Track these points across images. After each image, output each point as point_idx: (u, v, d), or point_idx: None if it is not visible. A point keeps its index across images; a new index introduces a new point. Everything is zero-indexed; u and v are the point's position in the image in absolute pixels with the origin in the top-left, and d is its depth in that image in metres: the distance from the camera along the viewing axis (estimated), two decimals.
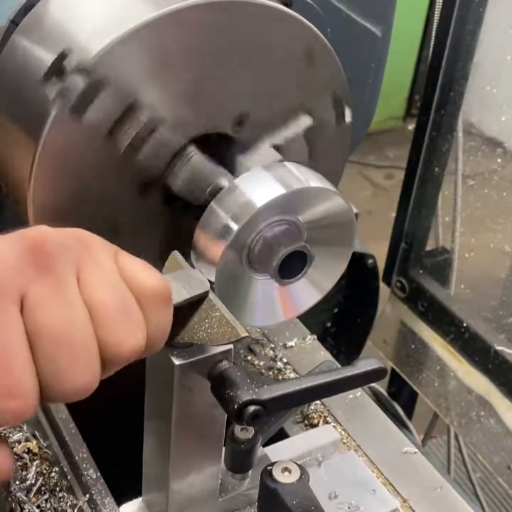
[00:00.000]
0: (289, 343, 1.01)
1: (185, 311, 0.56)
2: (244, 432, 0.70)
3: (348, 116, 0.77)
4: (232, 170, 0.71)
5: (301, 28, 0.70)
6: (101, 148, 0.65)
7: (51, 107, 0.62)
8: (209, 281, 0.59)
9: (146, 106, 0.64)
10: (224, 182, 0.68)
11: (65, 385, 0.45)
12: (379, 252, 1.29)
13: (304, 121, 0.74)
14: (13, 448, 0.82)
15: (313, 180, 0.65)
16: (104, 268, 0.48)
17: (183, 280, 0.57)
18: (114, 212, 0.69)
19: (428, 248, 1.26)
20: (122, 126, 0.64)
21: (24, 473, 0.79)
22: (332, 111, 0.76)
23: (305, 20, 0.70)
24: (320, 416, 0.90)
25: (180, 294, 0.55)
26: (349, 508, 0.76)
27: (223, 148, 0.71)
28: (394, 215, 1.22)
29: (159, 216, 0.72)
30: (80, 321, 0.45)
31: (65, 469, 0.80)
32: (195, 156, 0.68)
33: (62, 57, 0.63)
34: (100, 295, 0.47)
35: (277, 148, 0.72)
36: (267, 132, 0.72)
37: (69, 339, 0.45)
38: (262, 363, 0.98)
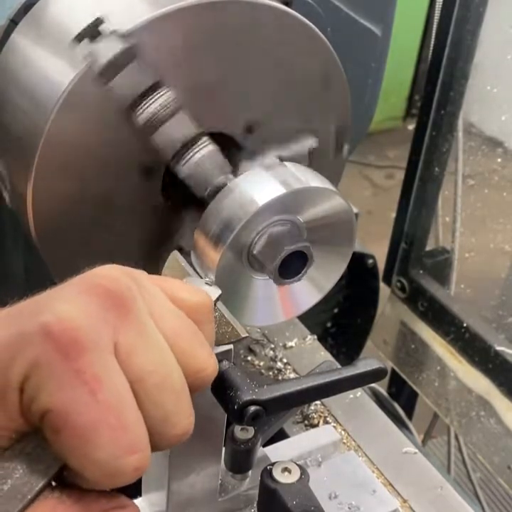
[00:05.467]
0: (289, 343, 1.01)
1: None
2: (244, 432, 0.70)
3: (345, 152, 0.79)
4: (236, 175, 0.71)
5: (323, 51, 0.72)
6: (114, 125, 0.65)
7: (80, 66, 0.61)
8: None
9: (169, 88, 0.64)
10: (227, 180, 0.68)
11: (175, 429, 0.44)
12: (379, 252, 1.29)
13: (311, 142, 0.74)
14: None
15: (313, 180, 0.65)
16: (158, 297, 0.46)
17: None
18: (110, 195, 0.69)
19: (428, 248, 1.26)
20: (143, 102, 0.63)
21: None
22: (333, 141, 0.77)
23: (328, 44, 0.72)
24: (320, 416, 0.90)
25: None
26: (349, 508, 0.76)
27: (229, 154, 0.72)
28: (394, 215, 1.22)
29: (152, 213, 0.72)
30: (171, 358, 0.44)
31: None
32: (210, 146, 0.67)
33: (98, 22, 0.63)
34: (173, 325, 0.45)
35: (282, 160, 0.72)
36: (274, 145, 0.72)
37: (170, 380, 0.43)
38: (262, 363, 0.98)
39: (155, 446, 0.43)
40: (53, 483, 0.42)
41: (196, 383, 0.46)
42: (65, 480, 0.42)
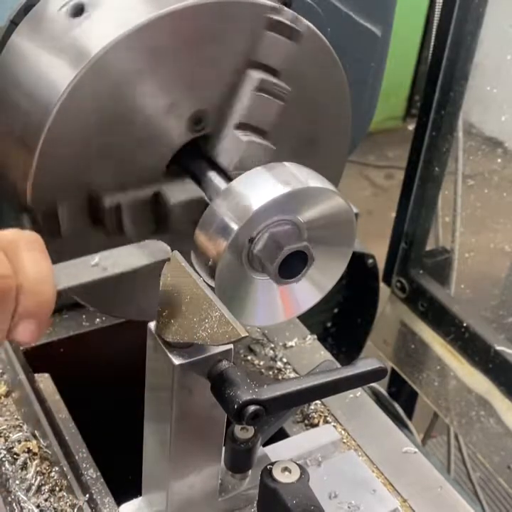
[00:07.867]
0: (289, 343, 1.01)
1: (151, 279, 0.59)
2: (244, 432, 0.70)
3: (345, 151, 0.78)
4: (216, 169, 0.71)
5: (324, 53, 0.72)
6: (114, 124, 0.65)
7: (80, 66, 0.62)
8: (208, 284, 0.59)
9: None
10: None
11: None
12: (379, 252, 1.29)
13: (253, 78, 0.69)
14: (12, 448, 0.82)
15: (313, 180, 0.65)
16: None
17: (147, 248, 0.59)
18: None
19: (428, 248, 1.26)
20: None
21: (24, 472, 0.79)
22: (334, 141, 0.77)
23: (328, 45, 0.72)
24: (320, 416, 0.90)
25: (141, 259, 0.58)
26: (349, 507, 0.76)
27: (202, 148, 0.71)
28: (394, 215, 1.22)
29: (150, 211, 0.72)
30: None
31: (64, 469, 0.80)
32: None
33: None
34: None
35: (242, 125, 0.70)
36: (227, 112, 0.70)
37: None
38: (262, 363, 0.98)
39: None
40: None
41: None
42: None
